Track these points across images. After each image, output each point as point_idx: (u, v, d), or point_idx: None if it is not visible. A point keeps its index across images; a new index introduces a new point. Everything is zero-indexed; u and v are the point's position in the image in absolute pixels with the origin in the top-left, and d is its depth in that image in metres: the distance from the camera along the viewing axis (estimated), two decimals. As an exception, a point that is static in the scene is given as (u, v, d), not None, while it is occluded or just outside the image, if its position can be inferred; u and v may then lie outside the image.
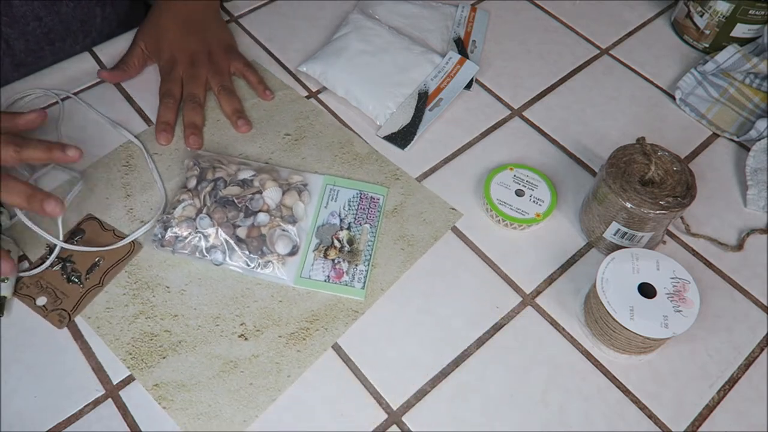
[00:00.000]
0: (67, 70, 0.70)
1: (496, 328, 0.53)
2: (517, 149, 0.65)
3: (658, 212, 0.51)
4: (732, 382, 0.51)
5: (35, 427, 0.47)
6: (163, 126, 0.63)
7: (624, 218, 0.53)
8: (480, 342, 0.52)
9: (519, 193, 0.59)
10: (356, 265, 0.55)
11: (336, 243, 0.56)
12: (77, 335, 0.51)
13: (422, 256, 0.57)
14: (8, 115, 0.57)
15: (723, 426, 0.49)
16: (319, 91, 0.69)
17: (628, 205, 0.51)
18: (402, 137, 0.65)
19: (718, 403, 0.50)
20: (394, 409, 0.49)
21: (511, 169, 0.61)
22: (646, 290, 0.49)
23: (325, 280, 0.54)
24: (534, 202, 0.58)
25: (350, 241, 0.56)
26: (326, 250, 0.56)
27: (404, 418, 0.49)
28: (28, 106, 0.66)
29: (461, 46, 0.73)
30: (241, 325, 0.52)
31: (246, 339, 0.52)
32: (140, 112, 0.66)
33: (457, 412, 0.49)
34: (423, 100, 0.67)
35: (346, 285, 0.54)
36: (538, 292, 0.55)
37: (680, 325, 0.47)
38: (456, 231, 0.59)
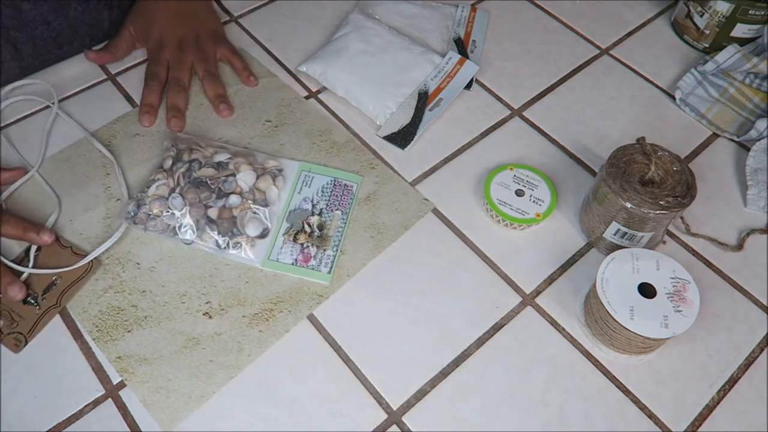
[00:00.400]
0: (68, 69, 0.70)
1: (496, 328, 0.53)
2: (517, 149, 0.65)
3: (658, 212, 0.51)
4: (732, 382, 0.51)
5: (35, 427, 0.47)
6: (146, 108, 0.65)
7: (624, 218, 0.53)
8: (480, 342, 0.52)
9: (519, 193, 0.59)
10: (324, 250, 0.56)
11: (306, 228, 0.57)
12: (77, 335, 0.52)
13: (391, 244, 0.57)
14: None
15: (723, 426, 0.49)
16: (319, 91, 0.69)
17: (628, 205, 0.51)
18: (402, 137, 0.65)
19: (718, 403, 0.50)
20: (394, 409, 0.49)
21: (511, 169, 0.61)
22: (646, 290, 0.49)
23: (293, 264, 0.55)
24: (534, 202, 0.59)
25: (320, 227, 0.57)
26: (296, 234, 0.57)
27: (404, 418, 0.49)
28: (14, 111, 0.66)
29: (461, 46, 0.73)
30: (207, 303, 0.53)
31: (210, 317, 0.52)
32: (140, 112, 0.67)
33: (457, 412, 0.49)
34: (423, 100, 0.67)
35: (313, 269, 0.55)
36: (538, 292, 0.55)
37: (680, 325, 0.47)
38: (455, 230, 0.59)
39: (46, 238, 0.54)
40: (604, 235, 0.56)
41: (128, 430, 0.47)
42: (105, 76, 0.70)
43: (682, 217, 0.59)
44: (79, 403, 0.48)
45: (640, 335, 0.47)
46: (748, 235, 0.59)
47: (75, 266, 0.54)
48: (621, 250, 0.51)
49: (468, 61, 0.69)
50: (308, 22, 0.76)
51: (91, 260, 0.54)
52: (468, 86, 0.69)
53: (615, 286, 0.49)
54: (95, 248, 0.55)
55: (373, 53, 0.69)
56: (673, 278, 0.50)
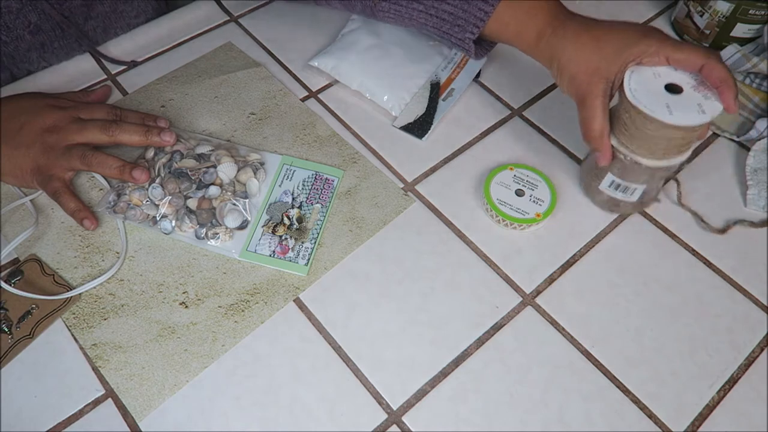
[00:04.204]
0: (67, 69, 0.70)
1: (496, 328, 0.53)
2: (517, 149, 0.65)
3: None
4: (732, 382, 0.51)
5: (35, 427, 0.47)
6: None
7: (618, 169, 0.55)
8: (480, 342, 0.52)
9: (519, 193, 0.59)
10: (302, 243, 0.56)
11: (285, 220, 0.57)
12: (77, 335, 0.52)
13: (370, 239, 0.58)
14: (74, 101, 0.61)
15: (723, 426, 0.49)
16: (319, 91, 0.69)
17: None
18: (419, 127, 0.65)
19: (718, 403, 0.50)
20: (394, 409, 0.49)
21: (511, 168, 0.61)
22: (674, 89, 0.52)
23: (270, 255, 0.56)
24: (534, 202, 0.59)
25: (299, 220, 0.58)
26: (275, 226, 0.57)
27: (404, 418, 0.49)
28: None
29: None
30: (184, 293, 0.54)
31: (186, 307, 0.53)
32: (140, 111, 0.66)
33: (457, 412, 0.49)
34: (435, 90, 0.67)
35: (290, 261, 0.55)
36: (538, 292, 0.55)
37: (714, 108, 0.50)
38: (455, 230, 0.59)
39: (167, 138, 0.58)
40: (599, 187, 0.58)
41: (128, 430, 0.47)
42: (105, 76, 0.70)
43: (678, 183, 0.60)
44: (79, 403, 0.48)
45: (682, 126, 0.49)
46: (735, 224, 0.59)
47: (55, 297, 0.52)
48: (638, 67, 0.53)
49: None
50: (308, 21, 0.76)
51: (71, 296, 0.53)
52: (477, 76, 0.70)
53: (644, 92, 0.51)
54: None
55: (383, 46, 0.69)
56: (692, 74, 0.52)
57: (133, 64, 0.70)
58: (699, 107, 0.50)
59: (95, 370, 0.50)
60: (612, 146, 0.54)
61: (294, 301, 0.54)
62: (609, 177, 0.56)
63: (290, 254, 0.56)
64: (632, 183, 0.56)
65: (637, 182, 0.55)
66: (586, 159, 0.61)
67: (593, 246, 0.58)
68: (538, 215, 0.58)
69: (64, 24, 0.67)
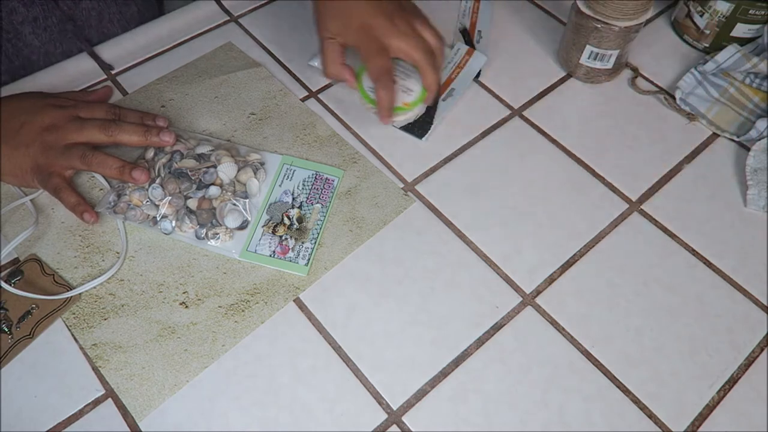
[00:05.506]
0: (67, 69, 0.70)
1: (496, 328, 0.53)
2: (517, 149, 0.65)
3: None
4: (732, 382, 0.51)
5: (35, 427, 0.47)
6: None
7: (595, 38, 0.63)
8: (480, 342, 0.52)
9: None
10: (303, 243, 0.56)
11: (286, 220, 0.58)
12: (77, 335, 0.52)
13: (370, 239, 0.58)
14: (74, 100, 0.61)
15: (723, 426, 0.49)
16: (319, 91, 0.69)
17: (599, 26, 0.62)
18: (419, 127, 0.66)
19: (718, 403, 0.50)
20: (394, 409, 0.49)
21: None
22: None
23: (271, 255, 0.56)
24: (403, 91, 0.61)
25: (300, 220, 0.58)
26: (275, 226, 0.57)
27: (404, 418, 0.49)
28: None
29: (467, 37, 0.73)
30: (184, 293, 0.54)
31: (186, 307, 0.53)
32: (140, 111, 0.66)
33: (457, 412, 0.49)
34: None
35: (290, 261, 0.55)
36: (538, 292, 0.55)
37: None
38: (455, 230, 0.59)
39: (167, 138, 0.58)
40: (580, 61, 0.67)
41: (128, 430, 0.47)
42: (105, 76, 0.70)
43: (632, 67, 0.69)
44: (79, 403, 0.49)
45: None
46: (694, 117, 0.66)
47: (55, 297, 0.52)
48: None
49: (476, 51, 0.70)
50: (308, 22, 0.76)
51: (71, 296, 0.53)
52: (477, 76, 0.70)
53: None
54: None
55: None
56: None
57: (110, 69, 0.71)
58: None
59: (95, 370, 0.50)
60: (589, 16, 0.63)
61: (294, 301, 0.54)
62: (588, 48, 0.65)
63: (290, 254, 0.56)
64: (608, 50, 0.65)
65: (612, 48, 0.64)
66: (562, 40, 0.69)
67: (593, 246, 0.58)
68: (406, 104, 0.60)
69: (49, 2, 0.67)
